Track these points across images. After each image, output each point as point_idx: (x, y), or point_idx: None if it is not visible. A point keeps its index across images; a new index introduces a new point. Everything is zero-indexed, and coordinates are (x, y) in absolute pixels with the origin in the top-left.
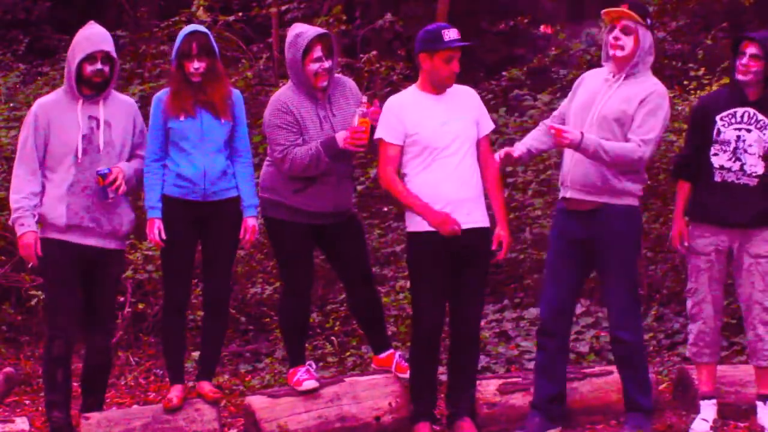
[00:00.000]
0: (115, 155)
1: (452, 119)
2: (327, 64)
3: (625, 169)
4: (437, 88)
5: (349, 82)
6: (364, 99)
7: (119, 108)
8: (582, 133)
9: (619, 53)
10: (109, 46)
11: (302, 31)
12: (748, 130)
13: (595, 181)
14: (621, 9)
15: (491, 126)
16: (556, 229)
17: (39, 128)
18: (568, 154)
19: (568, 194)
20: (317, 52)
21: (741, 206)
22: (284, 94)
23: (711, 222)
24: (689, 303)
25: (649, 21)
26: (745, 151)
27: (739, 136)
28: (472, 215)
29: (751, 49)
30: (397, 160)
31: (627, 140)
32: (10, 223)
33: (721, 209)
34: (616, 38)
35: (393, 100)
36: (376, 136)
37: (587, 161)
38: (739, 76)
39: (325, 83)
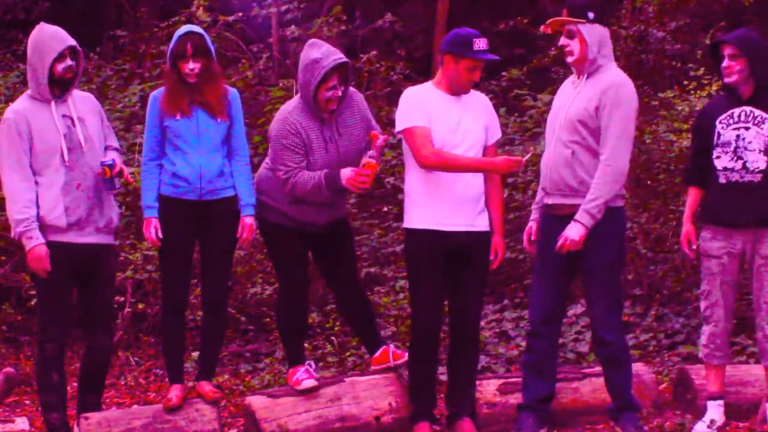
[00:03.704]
0: (96, 149)
1: (465, 120)
2: (340, 92)
3: (622, 182)
4: (454, 90)
5: (357, 97)
6: (380, 140)
7: (85, 104)
8: (574, 222)
9: (570, 58)
10: (72, 40)
11: (320, 57)
12: (747, 128)
13: (571, 184)
14: (557, 18)
15: (499, 135)
16: (542, 233)
17: (21, 133)
18: (544, 160)
19: (549, 200)
20: (333, 81)
21: (748, 206)
22: (294, 113)
23: (722, 224)
24: (702, 305)
25: (591, 15)
26: (745, 148)
27: (738, 135)
28: (475, 218)
29: (728, 50)
30: (431, 139)
31: (597, 143)
32: (13, 235)
33: (729, 211)
34: (563, 45)
35: (412, 91)
36: (405, 126)
37: (562, 165)
38: (726, 80)
39: (335, 107)
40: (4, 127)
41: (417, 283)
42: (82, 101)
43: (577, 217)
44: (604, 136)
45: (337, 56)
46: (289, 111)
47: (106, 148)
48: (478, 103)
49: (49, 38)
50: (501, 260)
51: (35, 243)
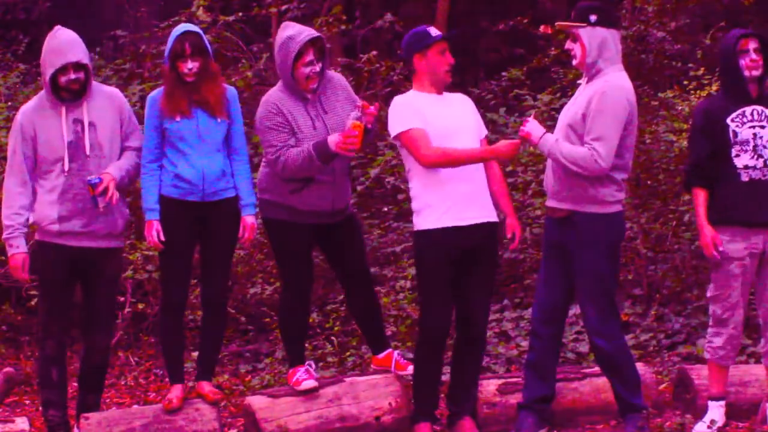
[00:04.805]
0: (104, 156)
1: (457, 117)
2: (318, 67)
3: (591, 175)
4: (437, 85)
5: (337, 77)
6: (359, 102)
7: (103, 104)
8: (545, 132)
9: (573, 62)
10: (77, 55)
11: (294, 34)
12: (762, 127)
13: (563, 188)
14: (560, 23)
15: (485, 131)
16: (544, 233)
17: (26, 136)
18: (548, 161)
19: (548, 203)
20: (309, 56)
21: None
22: (274, 95)
23: (741, 224)
24: (718, 308)
25: (593, 18)
26: (765, 147)
27: (755, 134)
28: (483, 210)
29: (753, 44)
30: (429, 138)
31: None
32: (2, 239)
33: (750, 209)
34: (568, 48)
35: (400, 98)
36: (401, 129)
37: (558, 168)
38: (753, 72)
39: (315, 85)
40: (15, 127)
41: (428, 285)
42: (101, 101)
43: (547, 135)
44: (589, 127)
45: (311, 32)
46: (269, 94)
47: (125, 149)
48: (462, 100)
49: (51, 51)
50: (519, 240)
51: (15, 251)
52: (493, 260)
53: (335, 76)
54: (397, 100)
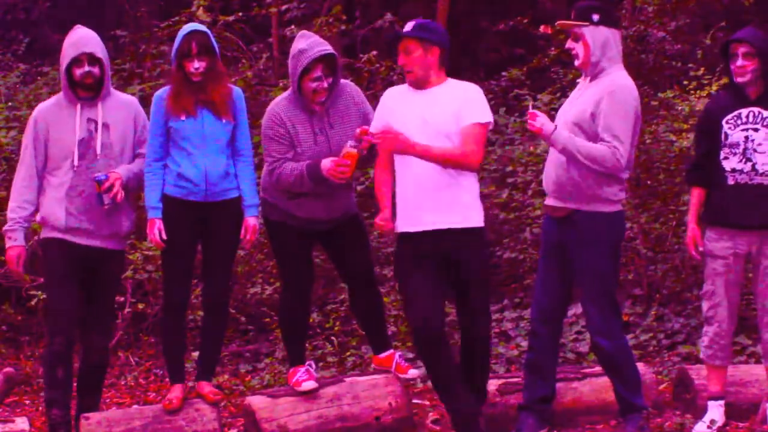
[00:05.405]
0: (114, 158)
1: (428, 114)
2: (326, 83)
3: (606, 173)
4: (413, 83)
5: (352, 90)
6: (358, 130)
7: (119, 108)
8: (557, 126)
9: (576, 62)
10: (92, 47)
11: (305, 48)
12: (756, 130)
13: (566, 187)
14: (562, 22)
15: (479, 118)
16: (543, 232)
17: (38, 134)
18: (548, 159)
19: (548, 202)
20: (317, 72)
21: (757, 208)
22: (281, 104)
23: (728, 226)
24: (705, 305)
25: (596, 17)
26: (755, 150)
27: (747, 137)
28: (450, 215)
29: (743, 49)
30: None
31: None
32: (2, 231)
33: (737, 212)
34: (570, 48)
35: (386, 93)
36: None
37: (560, 166)
38: (739, 79)
39: (323, 99)
40: (29, 124)
41: (405, 286)
42: (117, 106)
43: (560, 129)
44: (604, 124)
45: (323, 47)
46: (276, 102)
47: (137, 156)
48: (448, 91)
49: (70, 43)
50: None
51: (12, 244)
52: (482, 267)
53: (349, 88)
54: (384, 94)
